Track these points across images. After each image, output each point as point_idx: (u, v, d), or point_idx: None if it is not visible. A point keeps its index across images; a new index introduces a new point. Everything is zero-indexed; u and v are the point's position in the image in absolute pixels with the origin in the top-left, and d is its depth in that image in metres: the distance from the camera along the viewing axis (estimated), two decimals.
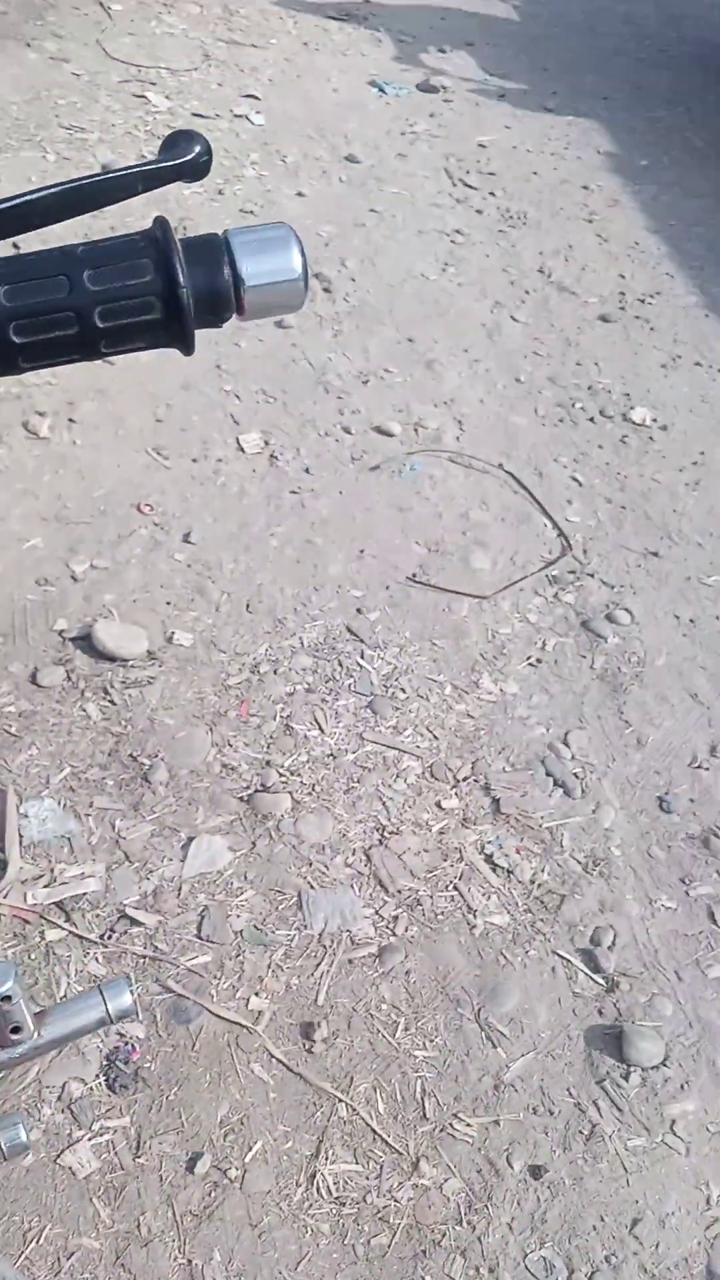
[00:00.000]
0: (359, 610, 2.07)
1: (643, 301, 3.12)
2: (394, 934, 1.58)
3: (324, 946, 1.55)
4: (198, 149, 0.57)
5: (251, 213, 3.16)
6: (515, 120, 4.04)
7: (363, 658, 1.98)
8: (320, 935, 1.57)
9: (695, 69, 4.75)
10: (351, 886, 1.63)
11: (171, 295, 0.50)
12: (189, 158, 0.56)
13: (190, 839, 1.65)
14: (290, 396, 2.55)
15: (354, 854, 1.67)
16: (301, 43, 4.33)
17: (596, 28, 5.06)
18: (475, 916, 1.62)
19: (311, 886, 1.62)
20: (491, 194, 3.53)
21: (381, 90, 4.07)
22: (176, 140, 0.58)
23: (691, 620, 2.19)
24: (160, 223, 0.51)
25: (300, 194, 3.31)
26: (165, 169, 0.56)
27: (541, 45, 4.76)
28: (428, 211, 3.37)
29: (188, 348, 0.52)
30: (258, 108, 3.74)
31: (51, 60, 3.75)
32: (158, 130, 3.45)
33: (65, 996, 1.52)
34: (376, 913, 1.60)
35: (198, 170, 0.57)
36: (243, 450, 2.37)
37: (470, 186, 3.54)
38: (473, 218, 3.38)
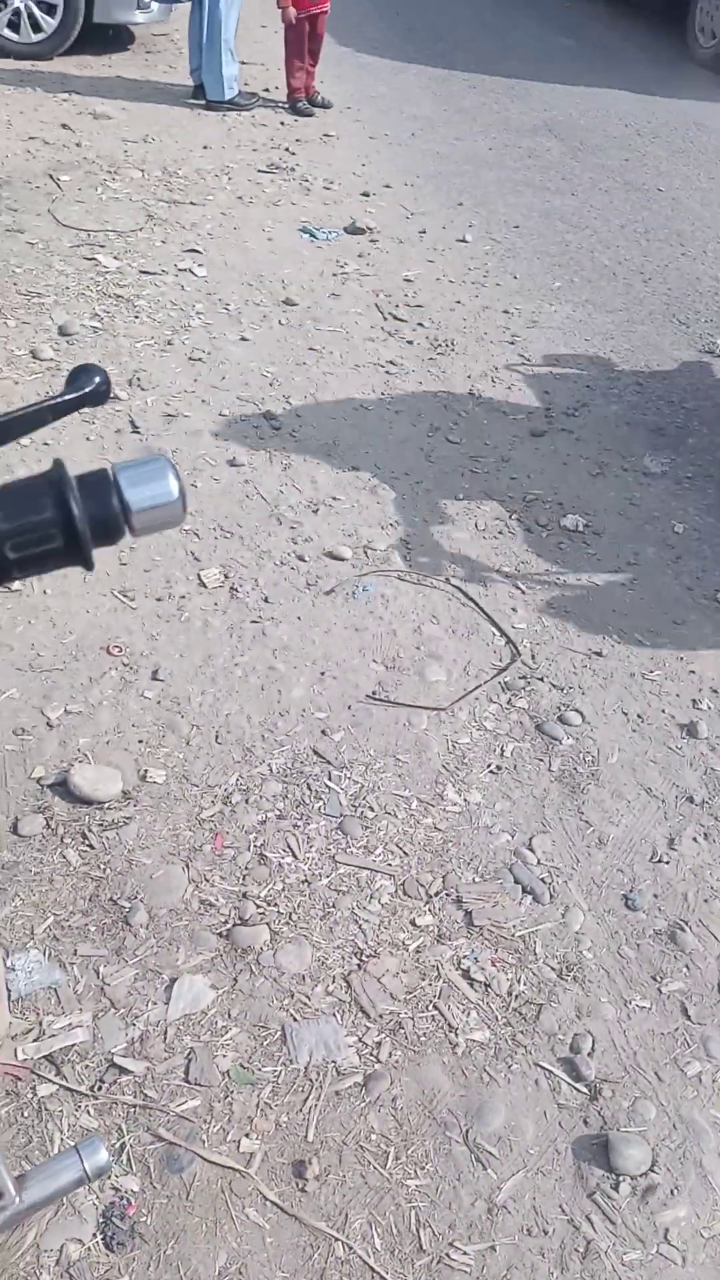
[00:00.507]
0: (324, 732, 2.06)
1: (568, 415, 3.20)
2: (378, 1060, 1.53)
3: (310, 1080, 1.50)
4: (97, 380, 0.66)
5: (200, 360, 3.24)
6: (437, 254, 4.19)
7: (330, 779, 1.96)
8: (306, 1068, 1.52)
9: (596, 193, 4.96)
10: (334, 1015, 1.58)
11: (69, 527, 0.56)
12: (90, 389, 0.66)
13: (173, 980, 1.61)
14: (246, 530, 2.58)
15: (334, 981, 1.63)
16: (236, 197, 4.50)
17: (505, 162, 5.29)
18: (457, 1035, 1.58)
19: (294, 1019, 1.57)
20: (420, 325, 3.64)
21: (313, 236, 4.22)
22: (79, 374, 0.66)
23: (639, 715, 2.20)
24: (57, 464, 0.58)
25: (244, 339, 3.40)
26: (70, 401, 0.65)
27: (454, 182, 4.97)
28: (362, 346, 3.46)
29: (88, 566, 0.58)
30: (200, 261, 3.85)
31: (7, 231, 3.86)
32: (109, 290, 3.54)
33: (59, 1152, 1.46)
34: (360, 1040, 1.56)
35: (99, 398, 0.66)
36: (204, 585, 2.38)
37: (400, 319, 3.65)
38: (404, 348, 3.48)
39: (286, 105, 5.70)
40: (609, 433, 3.13)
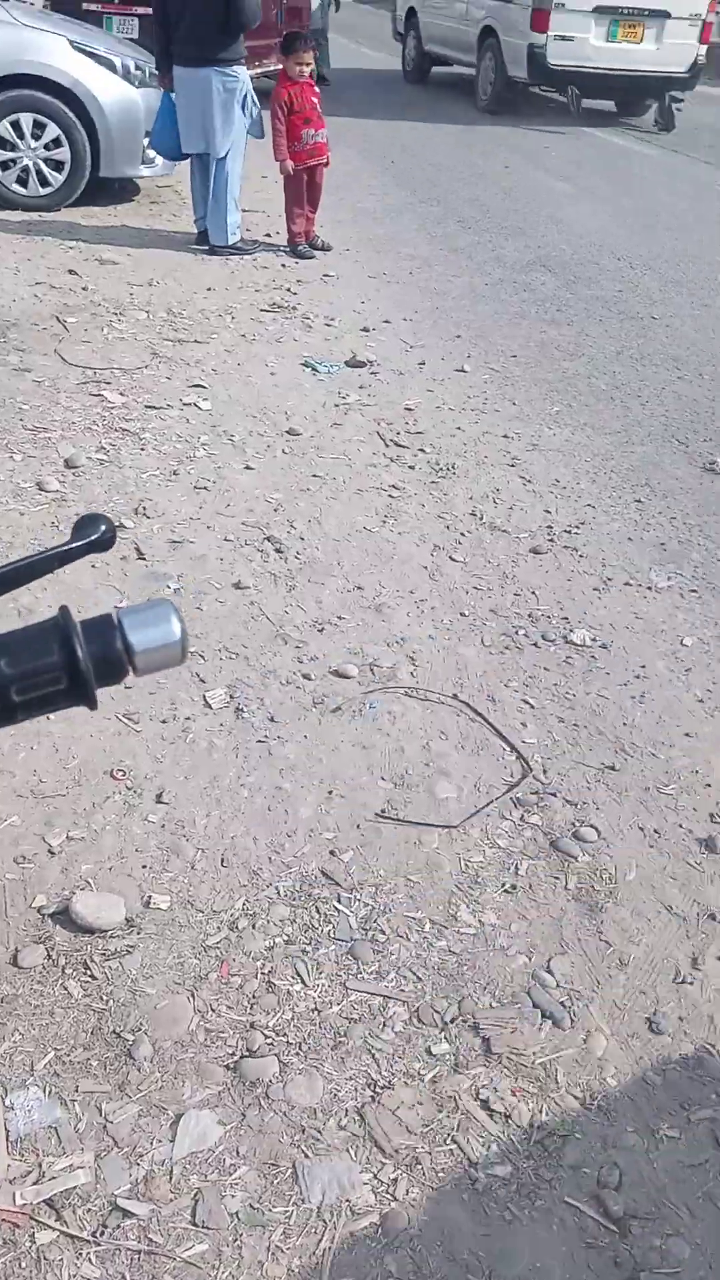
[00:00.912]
0: (332, 852, 2.07)
1: (569, 532, 3.31)
2: (394, 1199, 1.50)
3: (324, 1220, 1.46)
4: (103, 528, 0.71)
5: (205, 488, 3.38)
6: (436, 384, 4.41)
7: (339, 901, 1.96)
8: (319, 1208, 1.48)
9: (591, 323, 5.24)
10: (347, 1151, 1.55)
11: (74, 669, 0.60)
12: (95, 537, 0.71)
13: (178, 1116, 1.58)
14: (251, 650, 2.65)
15: (346, 1115, 1.60)
16: (240, 335, 4.76)
17: (500, 296, 5.61)
18: (477, 1170, 1.54)
19: (306, 1156, 1.54)
20: (421, 450, 3.80)
21: (314, 369, 4.45)
22: (85, 523, 0.71)
23: (656, 831, 2.20)
24: (63, 610, 0.62)
25: (248, 467, 3.55)
26: (77, 549, 0.70)
27: (452, 316, 5.26)
28: (365, 472, 3.61)
29: (92, 706, 0.63)
30: (204, 395, 4.06)
31: (15, 370, 4.09)
32: (115, 424, 3.73)
33: None
34: (375, 1176, 1.52)
35: (105, 544, 0.71)
36: (209, 706, 2.43)
37: (401, 446, 3.82)
38: (406, 473, 3.63)
39: (287, 249, 6.08)
40: (612, 548, 3.24)
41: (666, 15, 9.95)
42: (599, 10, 9.89)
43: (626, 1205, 1.51)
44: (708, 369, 4.69)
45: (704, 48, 10.13)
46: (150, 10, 7.63)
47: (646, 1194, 1.53)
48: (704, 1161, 1.58)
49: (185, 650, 0.64)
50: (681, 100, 10.62)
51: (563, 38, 9.82)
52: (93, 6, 8.12)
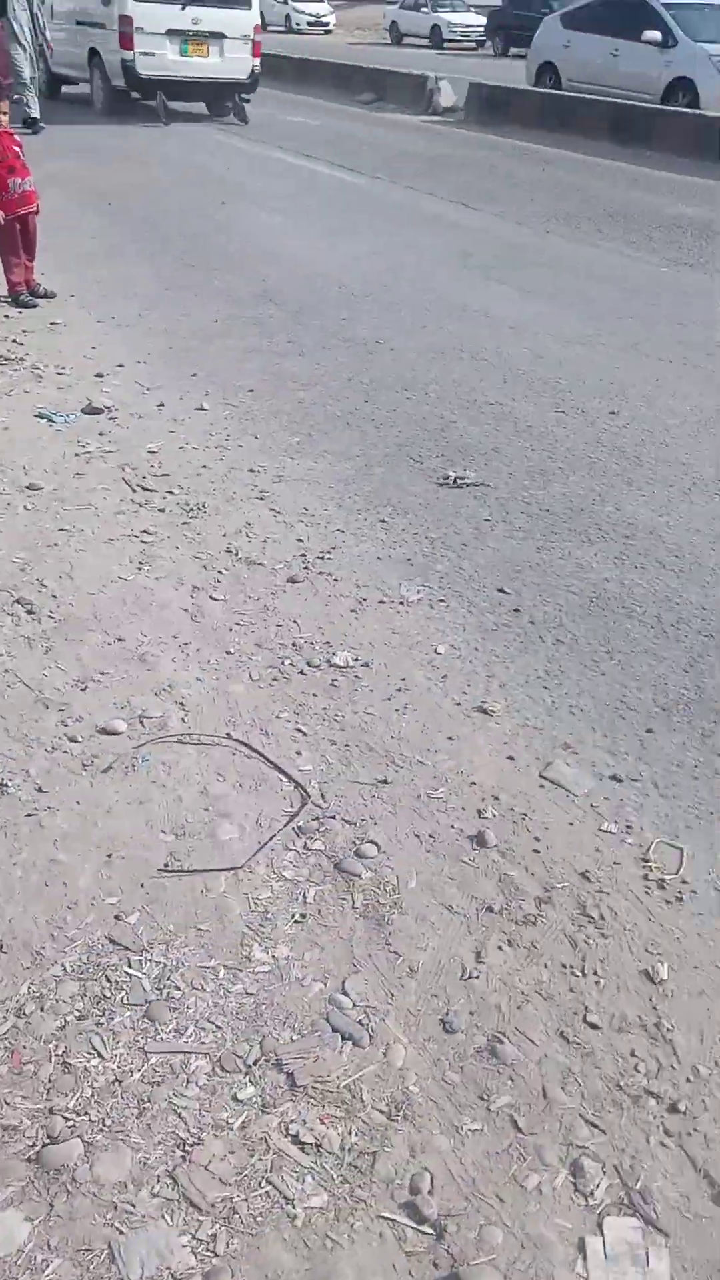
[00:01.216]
0: (117, 917, 2.03)
1: (322, 558, 3.39)
2: (215, 1254, 1.48)
3: None
4: None
5: None
6: (177, 424, 4.40)
7: (130, 965, 1.92)
8: None
9: (321, 351, 5.38)
10: (163, 1217, 1.52)
11: None
12: None
13: None
14: (10, 722, 2.55)
15: (159, 1181, 1.57)
16: None
17: (231, 332, 5.67)
18: (294, 1205, 1.55)
19: (121, 1232, 1.50)
20: (170, 492, 3.79)
21: (50, 420, 4.34)
22: None
23: (431, 835, 2.29)
24: None
25: None
26: None
27: (185, 355, 5.27)
28: (114, 519, 3.56)
29: None
30: None
31: None
32: None
33: None
34: (194, 1236, 1.50)
35: None
36: None
37: (149, 490, 3.79)
38: (157, 516, 3.60)
39: (9, 299, 5.90)
40: (364, 569, 3.34)
41: (224, 36, 13.02)
42: (170, 33, 12.66)
43: (440, 1206, 1.56)
44: (433, 388, 4.93)
45: (257, 60, 13.41)
46: None
47: (458, 1190, 1.59)
48: (507, 1146, 1.66)
49: None
50: (248, 99, 14.00)
51: (146, 54, 12.56)
52: None
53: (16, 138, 5.68)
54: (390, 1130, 1.66)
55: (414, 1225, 1.53)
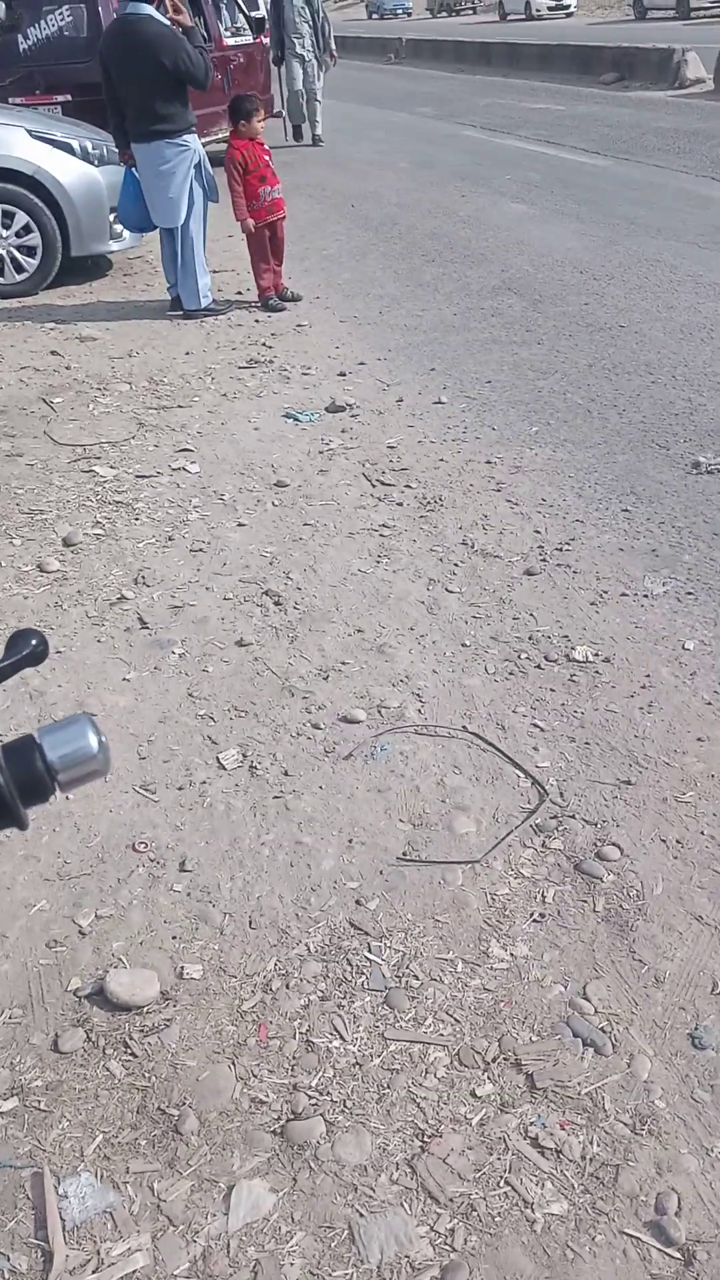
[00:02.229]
0: (358, 902, 2.05)
1: (560, 550, 3.30)
2: (453, 1249, 1.46)
3: (384, 1279, 1.44)
4: (34, 643, 0.71)
5: (201, 550, 3.39)
6: (415, 419, 4.42)
7: (370, 951, 1.94)
8: (379, 1267, 1.45)
9: (561, 339, 5.25)
10: (402, 1205, 1.52)
11: None
12: (27, 652, 0.71)
13: (230, 1188, 1.56)
14: (260, 706, 2.64)
15: (398, 1168, 1.57)
16: (221, 395, 4.81)
17: (470, 325, 5.63)
18: (533, 1210, 1.51)
19: (360, 1214, 1.51)
20: (408, 486, 3.81)
21: (296, 420, 4.47)
22: (17, 639, 0.71)
23: (679, 841, 2.17)
24: None
25: (241, 524, 3.57)
26: (8, 666, 0.70)
27: (424, 350, 5.29)
28: (354, 514, 3.62)
29: (22, 826, 0.63)
30: (192, 459, 4.09)
31: (7, 456, 4.13)
32: (108, 498, 3.77)
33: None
34: (432, 1228, 1.49)
35: (38, 658, 0.71)
36: (224, 768, 2.42)
37: (387, 484, 3.83)
38: (395, 510, 3.63)
39: (259, 304, 6.15)
40: (604, 561, 3.22)
41: None
42: None
43: (688, 1230, 1.47)
44: (680, 370, 4.69)
45: None
46: (69, 95, 7.82)
47: (708, 1216, 1.49)
48: None
49: (107, 761, 0.65)
50: None
51: None
52: (18, 100, 8.13)
53: (267, 147, 5.88)
54: (634, 1144, 1.58)
55: (660, 1246, 1.45)
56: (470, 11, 43.63)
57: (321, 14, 11.75)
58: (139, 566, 3.31)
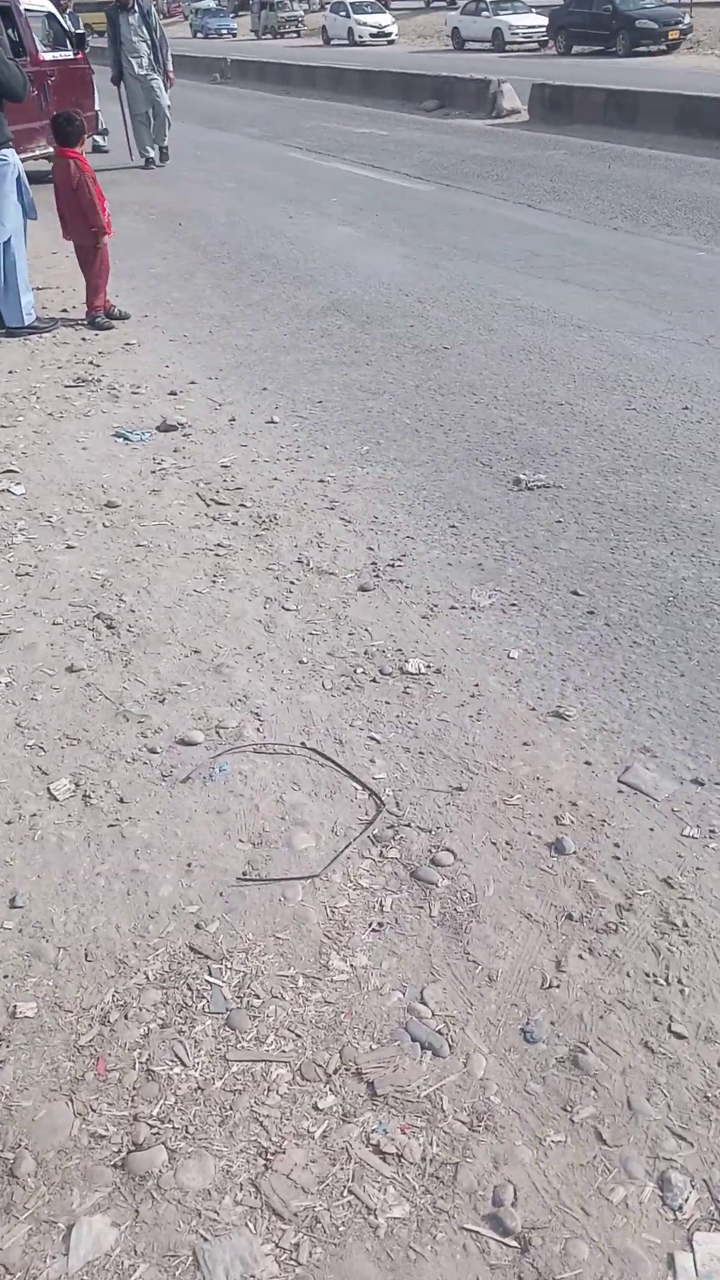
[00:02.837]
0: (198, 925, 2.04)
1: (392, 566, 3.38)
2: (299, 1263, 1.48)
3: None
4: None
5: (28, 574, 3.30)
6: (249, 438, 4.44)
7: (211, 974, 1.93)
8: None
9: (389, 360, 5.38)
10: (246, 1225, 1.52)
11: None
12: None
13: (70, 1227, 1.52)
14: (93, 733, 2.59)
15: (241, 1189, 1.57)
16: (47, 414, 4.69)
17: (300, 345, 5.70)
18: (376, 1215, 1.54)
19: (205, 1239, 1.50)
20: (242, 505, 3.82)
21: (126, 439, 4.42)
22: None
23: (508, 843, 2.26)
24: None
25: (70, 546, 3.50)
26: None
27: (256, 370, 5.32)
28: (189, 534, 3.60)
29: None
30: (16, 480, 3.98)
31: None
32: None
33: None
34: (277, 1245, 1.50)
35: None
36: (55, 798, 2.37)
37: (222, 504, 3.83)
38: (230, 530, 3.64)
39: (86, 321, 6.04)
40: (434, 575, 3.32)
41: None
42: None
43: (524, 1219, 1.53)
44: (501, 391, 4.89)
45: None
46: None
47: (542, 1203, 1.56)
48: (592, 1159, 1.62)
49: None
50: None
51: None
52: None
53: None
54: (472, 1141, 1.64)
55: (498, 1238, 1.51)
56: (295, 35, 44.22)
57: (159, 32, 11.51)
58: None
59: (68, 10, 12.26)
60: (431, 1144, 1.64)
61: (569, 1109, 1.69)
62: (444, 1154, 1.62)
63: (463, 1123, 1.67)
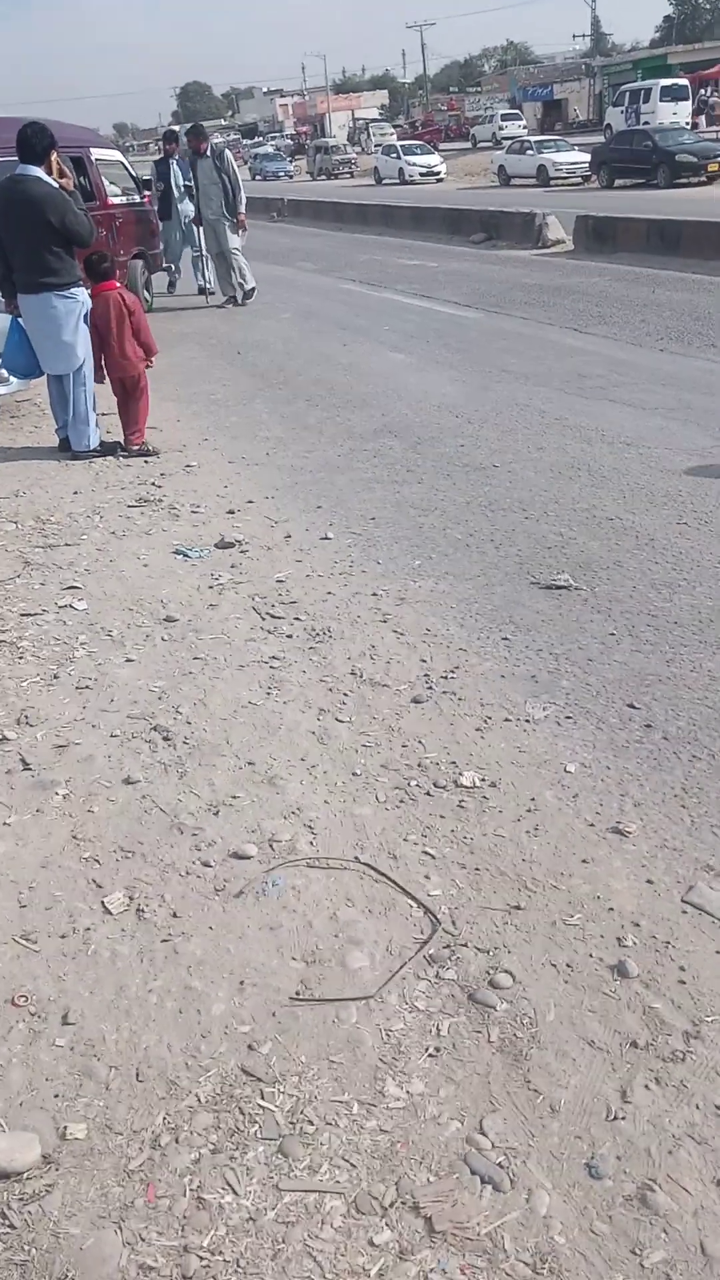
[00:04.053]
0: (250, 1046, 2.01)
1: (446, 678, 3.41)
2: None
3: None
4: None
5: (88, 687, 3.38)
6: (303, 554, 4.56)
7: (263, 1098, 1.89)
8: None
9: (440, 478, 5.52)
10: None
11: None
12: None
13: None
14: (147, 846, 2.61)
15: None
16: (110, 533, 4.87)
17: (353, 465, 5.88)
18: None
19: None
20: (297, 619, 3.90)
21: (186, 555, 4.55)
22: None
23: (568, 965, 2.21)
24: None
25: (129, 659, 3.58)
26: None
27: (311, 489, 5.49)
28: (245, 647, 3.67)
29: None
30: (79, 595, 4.11)
31: None
32: None
33: None
34: None
35: None
36: (109, 912, 2.37)
37: (277, 617, 3.91)
38: (285, 642, 3.70)
39: (134, 451, 6.24)
40: (487, 688, 3.34)
41: None
42: None
43: None
44: (551, 507, 4.97)
45: None
46: None
47: None
48: None
49: None
50: None
51: None
52: None
53: None
54: None
55: None
56: (348, 175, 46.88)
57: (231, 176, 11.58)
58: (22, 706, 3.27)
59: (174, 157, 12.89)
60: None
61: (638, 1252, 1.61)
62: None
63: (525, 1264, 1.59)
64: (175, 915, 2.36)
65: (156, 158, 12.95)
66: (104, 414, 6.44)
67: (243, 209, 11.78)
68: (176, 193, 12.49)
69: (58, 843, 2.62)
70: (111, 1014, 2.08)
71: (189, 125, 12.64)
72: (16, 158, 5.74)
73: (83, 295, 5.90)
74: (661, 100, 32.27)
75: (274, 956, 2.24)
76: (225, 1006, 2.10)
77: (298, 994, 2.14)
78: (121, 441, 6.26)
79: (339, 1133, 1.82)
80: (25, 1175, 1.74)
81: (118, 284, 6.08)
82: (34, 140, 5.67)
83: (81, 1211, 1.69)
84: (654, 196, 22.64)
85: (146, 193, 12.06)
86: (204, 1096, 1.89)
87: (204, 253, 12.32)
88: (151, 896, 2.42)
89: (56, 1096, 1.89)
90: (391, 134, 54.29)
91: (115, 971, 2.19)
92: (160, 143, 12.68)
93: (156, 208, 12.30)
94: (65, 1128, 1.83)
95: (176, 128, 12.65)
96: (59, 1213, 1.68)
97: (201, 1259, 1.60)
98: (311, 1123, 1.84)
